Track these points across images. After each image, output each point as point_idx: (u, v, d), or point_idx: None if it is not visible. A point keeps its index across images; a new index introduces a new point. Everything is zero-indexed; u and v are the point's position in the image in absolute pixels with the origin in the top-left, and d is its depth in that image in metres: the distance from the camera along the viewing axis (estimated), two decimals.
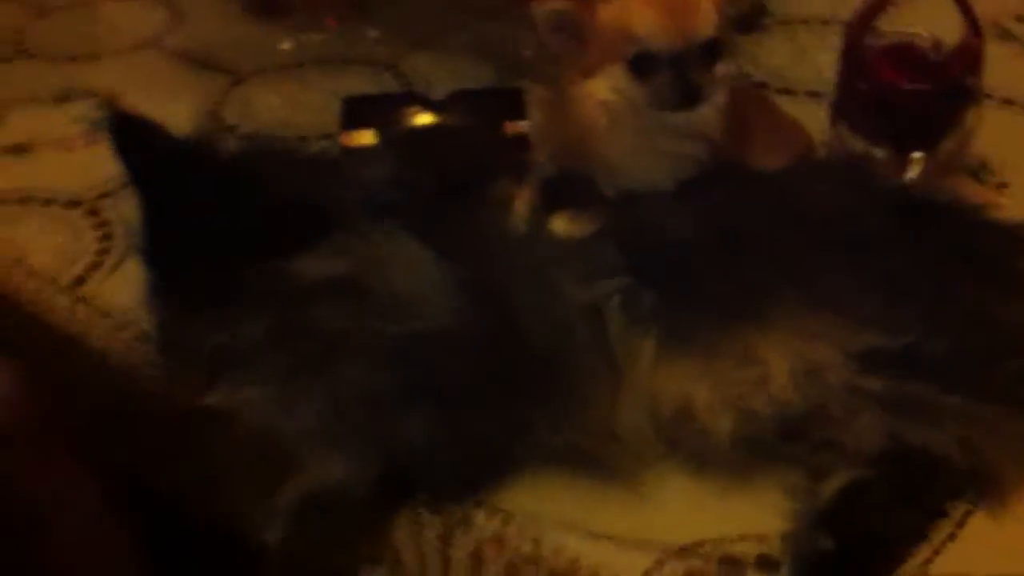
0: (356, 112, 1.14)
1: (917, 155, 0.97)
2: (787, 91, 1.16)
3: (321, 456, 0.74)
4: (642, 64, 0.85)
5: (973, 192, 0.98)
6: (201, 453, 0.78)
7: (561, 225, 0.83)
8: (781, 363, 0.74)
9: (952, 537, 0.72)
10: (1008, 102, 1.14)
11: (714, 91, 0.86)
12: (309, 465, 0.74)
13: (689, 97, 0.85)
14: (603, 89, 0.86)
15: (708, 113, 0.86)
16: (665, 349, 0.75)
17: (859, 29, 0.98)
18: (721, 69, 0.87)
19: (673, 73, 0.84)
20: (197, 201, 0.75)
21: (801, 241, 0.79)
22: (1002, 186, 1.02)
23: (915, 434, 0.72)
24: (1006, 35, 1.26)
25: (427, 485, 0.76)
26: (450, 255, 0.76)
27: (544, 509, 0.75)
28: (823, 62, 1.09)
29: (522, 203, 0.85)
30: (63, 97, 1.27)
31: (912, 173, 0.96)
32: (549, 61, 0.95)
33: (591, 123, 0.87)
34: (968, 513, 0.73)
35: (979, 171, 1.03)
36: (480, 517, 0.76)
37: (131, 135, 0.79)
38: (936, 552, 0.71)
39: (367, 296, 0.72)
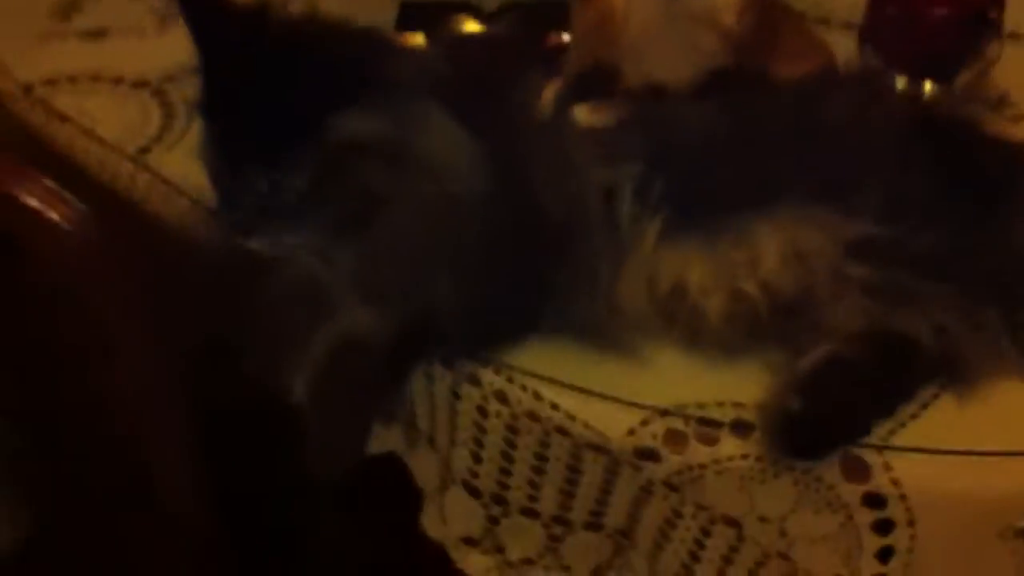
0: (410, 16, 1.20)
1: (934, 85, 1.02)
2: (823, 21, 1.20)
3: (351, 306, 0.81)
4: None
5: (986, 119, 1.02)
6: (241, 299, 0.86)
7: (583, 114, 0.89)
8: (773, 247, 0.80)
9: (916, 415, 0.77)
10: None
11: None
12: (339, 315, 0.82)
13: None
14: None
15: (714, 3, 0.91)
16: (668, 231, 0.81)
17: None
18: None
19: None
20: (254, 62, 0.81)
21: (810, 142, 0.84)
22: (1020, 118, 1.06)
23: (893, 319, 0.78)
24: None
25: (444, 339, 0.82)
26: (480, 132, 0.82)
27: (545, 369, 0.82)
28: None
29: (550, 93, 0.92)
30: None
31: (928, 98, 1.01)
32: None
33: (617, 10, 0.93)
34: (935, 395, 0.78)
35: (998, 104, 1.06)
36: (487, 374, 0.83)
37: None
38: (901, 425, 0.77)
39: (404, 158, 0.79)
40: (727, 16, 0.95)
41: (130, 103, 1.14)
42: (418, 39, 1.18)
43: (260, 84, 0.80)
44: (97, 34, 1.26)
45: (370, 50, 0.84)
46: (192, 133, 1.08)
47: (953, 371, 0.78)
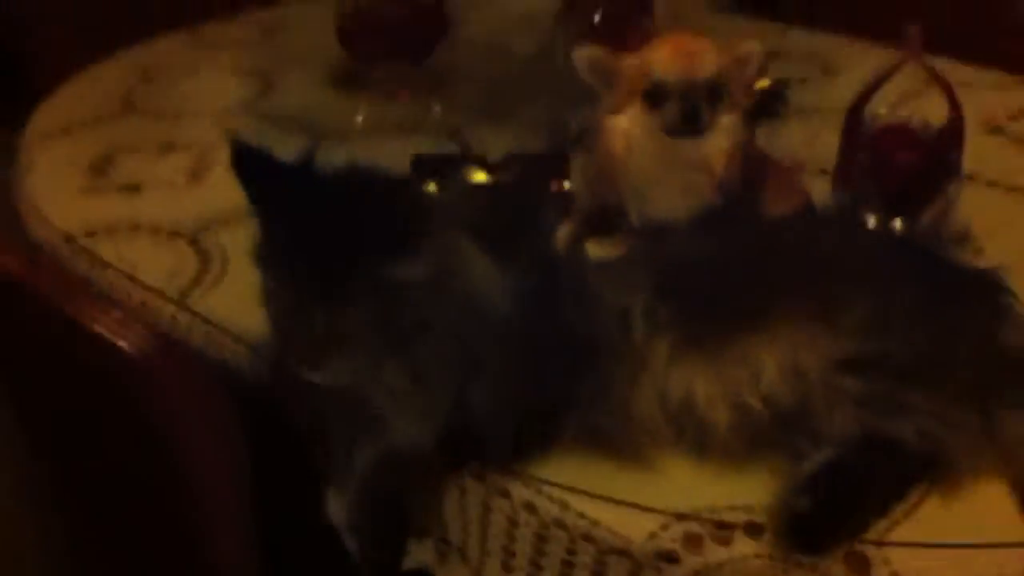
0: (423, 167, 1.32)
1: (902, 222, 1.14)
2: (799, 168, 1.32)
3: (394, 424, 0.89)
4: (655, 95, 1.03)
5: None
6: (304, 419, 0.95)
7: (596, 248, 1.00)
8: (772, 364, 0.89)
9: (908, 513, 0.86)
10: (992, 183, 1.30)
11: (716, 124, 1.03)
12: (384, 429, 0.90)
13: (693, 122, 1.02)
14: (624, 120, 1.05)
15: (712, 144, 1.04)
16: (677, 350, 0.91)
17: (858, 106, 1.14)
18: (725, 119, 1.04)
19: (680, 102, 1.02)
20: (304, 214, 0.91)
21: (798, 269, 0.95)
22: (978, 251, 1.17)
23: (883, 426, 0.87)
24: (997, 131, 1.43)
25: (478, 453, 0.91)
26: (507, 267, 0.92)
27: (570, 480, 0.90)
28: (832, 144, 1.25)
29: (565, 231, 1.03)
30: (167, 148, 1.46)
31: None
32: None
33: (615, 152, 1.05)
34: (925, 493, 0.87)
35: (961, 238, 1.17)
36: (517, 486, 0.91)
37: (249, 159, 0.95)
38: (895, 523, 0.85)
39: (446, 294, 0.88)
40: (718, 163, 1.06)
41: (167, 250, 1.24)
42: (431, 187, 1.28)
43: (311, 232, 0.90)
44: (132, 188, 1.37)
45: (405, 197, 0.95)
46: (229, 277, 1.18)
47: (939, 471, 0.87)
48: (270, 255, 0.91)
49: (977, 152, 1.22)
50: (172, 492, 1.03)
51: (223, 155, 1.38)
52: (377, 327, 0.87)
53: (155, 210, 1.32)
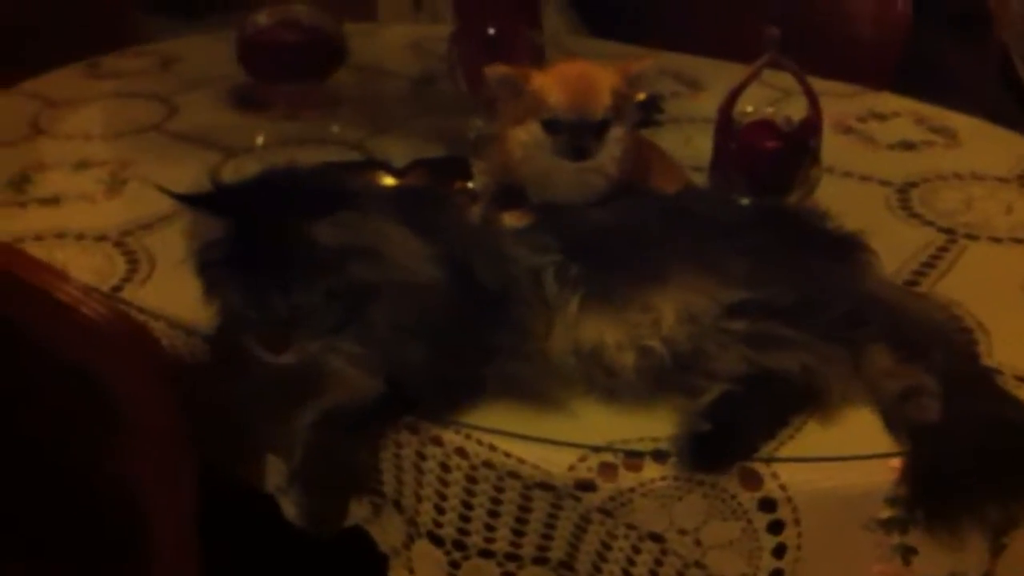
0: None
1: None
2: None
3: (340, 384, 0.99)
4: (551, 125, 1.16)
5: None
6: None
7: (508, 219, 1.12)
8: (670, 312, 1.02)
9: (792, 435, 0.99)
10: (847, 174, 1.46)
11: (602, 151, 1.16)
12: (329, 393, 0.99)
13: (580, 155, 1.15)
14: (524, 134, 1.17)
15: (601, 162, 1.16)
16: (586, 303, 1.03)
17: (729, 103, 1.29)
18: (615, 132, 1.17)
19: (571, 136, 1.15)
20: (245, 215, 0.98)
21: (688, 233, 1.08)
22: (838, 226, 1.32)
23: (767, 362, 1.00)
24: (848, 130, 1.60)
25: (412, 406, 1.01)
26: (432, 240, 1.02)
27: (496, 424, 1.01)
28: (704, 147, 1.40)
29: (476, 208, 1.14)
30: (81, 165, 1.53)
31: None
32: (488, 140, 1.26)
33: (514, 158, 1.18)
34: (805, 418, 1.00)
35: (822, 216, 1.32)
36: (448, 433, 1.01)
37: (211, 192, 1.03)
38: (781, 444, 0.98)
39: (380, 257, 0.97)
40: (609, 168, 1.18)
41: (95, 254, 1.31)
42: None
43: (255, 230, 0.97)
44: (52, 201, 1.43)
45: (330, 185, 1.05)
46: (158, 275, 1.26)
47: (817, 399, 1.00)
48: (221, 255, 0.99)
49: (832, 149, 1.39)
50: (117, 454, 1.10)
51: (138, 170, 1.49)
52: (329, 304, 0.96)
53: (77, 219, 1.38)
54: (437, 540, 1.04)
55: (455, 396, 1.01)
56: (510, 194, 1.17)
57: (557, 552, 1.03)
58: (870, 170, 1.47)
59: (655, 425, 1.00)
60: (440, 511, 1.03)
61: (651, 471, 0.97)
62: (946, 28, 2.38)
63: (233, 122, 1.67)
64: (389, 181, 1.42)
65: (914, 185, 1.43)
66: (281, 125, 1.65)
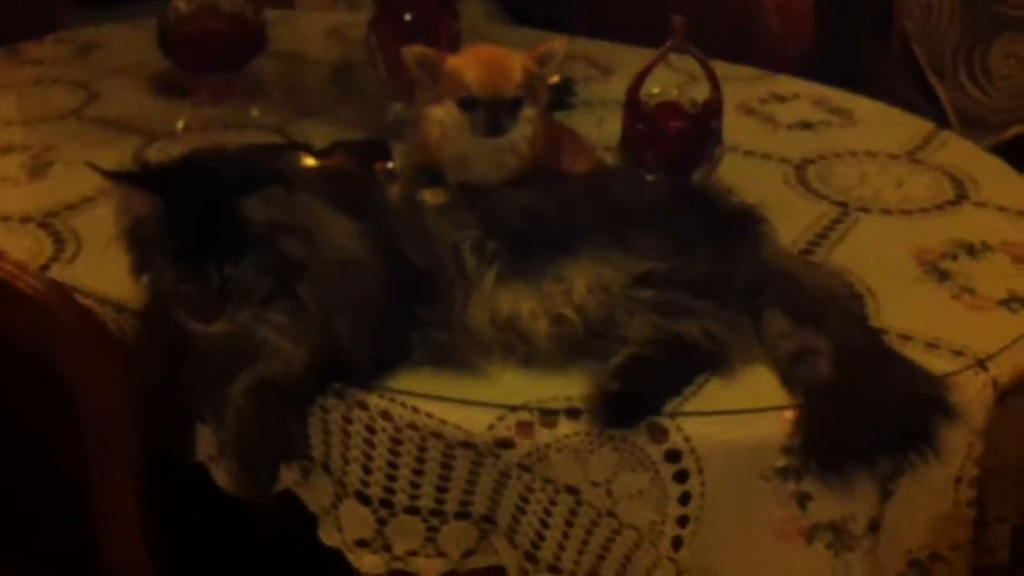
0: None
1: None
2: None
3: (271, 354, 1.04)
4: (467, 103, 1.21)
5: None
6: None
7: (428, 196, 1.18)
8: (581, 282, 1.09)
9: (696, 393, 1.06)
10: (749, 152, 1.54)
11: (516, 128, 1.22)
12: (260, 361, 1.04)
13: (495, 130, 1.21)
14: (441, 113, 1.23)
15: (514, 139, 1.23)
16: (502, 275, 1.10)
17: (636, 85, 1.36)
18: (528, 112, 1.23)
19: (487, 113, 1.21)
20: (175, 194, 1.02)
21: (598, 210, 1.15)
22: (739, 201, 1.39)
23: (673, 327, 1.07)
24: (751, 112, 1.68)
25: (340, 374, 1.06)
26: (356, 216, 1.07)
27: (420, 388, 1.06)
28: (615, 129, 1.46)
29: (396, 187, 1.20)
30: (3, 150, 1.55)
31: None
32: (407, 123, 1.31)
33: (433, 137, 1.24)
34: (708, 378, 1.07)
35: (725, 191, 1.40)
36: (373, 398, 1.06)
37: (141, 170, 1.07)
38: (686, 400, 1.05)
39: (308, 234, 1.02)
40: (523, 147, 1.24)
41: (21, 235, 1.34)
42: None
43: (187, 208, 1.01)
44: None
45: (258, 161, 1.09)
46: (85, 253, 1.29)
47: (719, 361, 1.07)
48: (151, 232, 1.02)
49: (735, 129, 1.47)
50: (65, 435, 1.13)
51: (61, 154, 1.51)
52: (260, 276, 1.01)
53: (2, 202, 1.41)
54: (364, 499, 1.09)
55: (380, 363, 1.06)
56: (429, 174, 1.22)
57: (479, 507, 1.09)
58: (770, 148, 1.56)
59: (569, 386, 1.06)
60: (367, 471, 1.08)
61: (565, 428, 1.03)
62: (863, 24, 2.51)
63: (154, 107, 1.70)
64: (311, 162, 1.46)
65: (811, 162, 1.52)
66: (202, 110, 1.68)
